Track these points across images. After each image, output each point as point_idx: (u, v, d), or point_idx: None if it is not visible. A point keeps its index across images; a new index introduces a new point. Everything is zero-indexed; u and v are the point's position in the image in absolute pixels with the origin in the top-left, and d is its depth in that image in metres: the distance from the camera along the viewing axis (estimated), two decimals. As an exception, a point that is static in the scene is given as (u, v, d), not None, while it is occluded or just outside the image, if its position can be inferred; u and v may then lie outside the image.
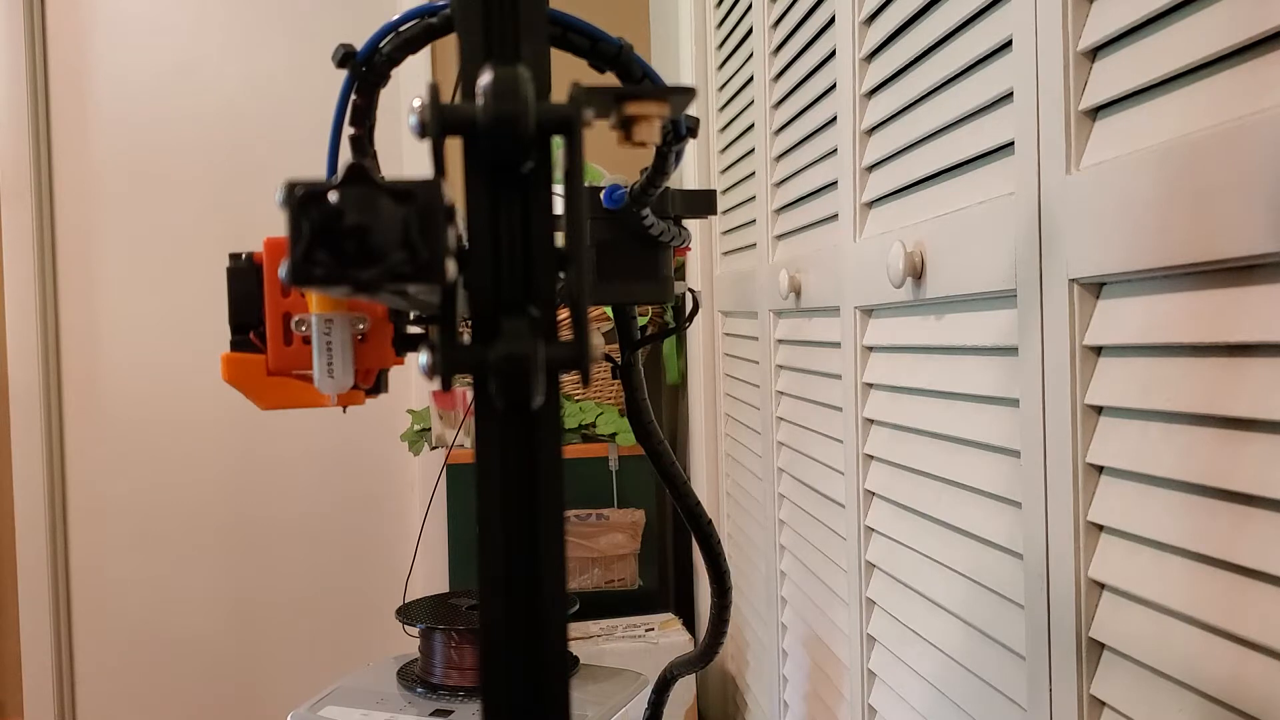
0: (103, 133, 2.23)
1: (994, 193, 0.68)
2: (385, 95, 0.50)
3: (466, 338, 0.33)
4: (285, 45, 2.26)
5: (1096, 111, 0.56)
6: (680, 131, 0.47)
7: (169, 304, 2.25)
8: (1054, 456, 0.59)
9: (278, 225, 1.76)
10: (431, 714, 1.18)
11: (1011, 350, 0.66)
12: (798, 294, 1.15)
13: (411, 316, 0.47)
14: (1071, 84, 0.56)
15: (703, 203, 0.64)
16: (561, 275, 0.33)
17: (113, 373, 2.25)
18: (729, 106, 1.55)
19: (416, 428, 1.90)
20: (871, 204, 0.93)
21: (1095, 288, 0.56)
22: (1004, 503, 0.68)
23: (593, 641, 1.63)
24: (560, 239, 0.33)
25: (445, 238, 0.29)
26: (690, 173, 1.73)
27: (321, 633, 2.30)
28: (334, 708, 1.20)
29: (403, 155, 2.18)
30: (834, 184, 1.04)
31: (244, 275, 0.47)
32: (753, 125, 1.37)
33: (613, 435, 1.83)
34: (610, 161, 2.10)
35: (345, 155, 0.47)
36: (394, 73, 0.49)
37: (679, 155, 0.50)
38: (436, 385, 0.33)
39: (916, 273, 0.77)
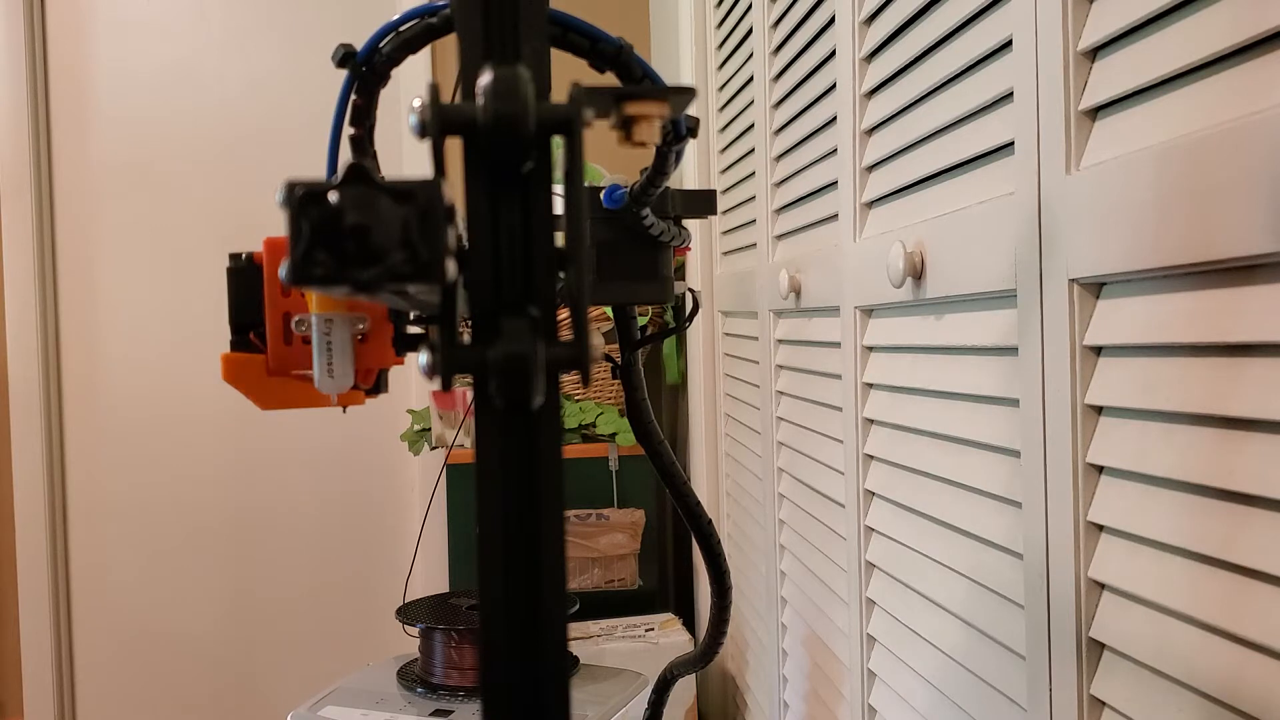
0: (102, 132, 2.23)
1: (994, 193, 0.68)
2: (385, 95, 0.50)
3: (466, 338, 0.33)
4: (285, 45, 2.26)
5: (1096, 111, 0.56)
6: (680, 131, 0.47)
7: (169, 303, 2.26)
8: (1054, 456, 0.59)
9: (278, 225, 1.75)
10: (431, 714, 1.18)
11: (1011, 350, 0.66)
12: (798, 294, 1.15)
13: (411, 316, 0.47)
14: (1071, 84, 0.56)
15: (703, 203, 0.64)
16: (561, 275, 0.33)
17: (113, 372, 2.25)
18: (729, 106, 1.55)
19: (416, 428, 1.90)
20: (871, 204, 0.93)
21: (1095, 288, 0.56)
22: (1004, 503, 0.68)
23: (593, 641, 1.63)
24: (560, 239, 0.33)
25: (445, 238, 0.29)
26: (690, 173, 1.73)
27: (321, 633, 2.30)
28: (334, 708, 1.20)
29: (403, 155, 2.18)
30: (834, 184, 1.04)
31: (244, 275, 0.47)
32: (753, 125, 1.37)
33: (613, 435, 1.83)
34: (610, 161, 2.09)
35: (345, 155, 0.47)
36: (394, 73, 0.49)
37: (679, 155, 0.50)
38: (436, 385, 0.33)
39: (916, 273, 0.77)
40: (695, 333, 1.78)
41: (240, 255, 0.47)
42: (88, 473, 2.25)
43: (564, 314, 0.83)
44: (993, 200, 0.67)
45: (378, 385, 0.48)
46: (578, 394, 1.91)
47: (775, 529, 1.31)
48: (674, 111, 0.36)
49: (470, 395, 0.37)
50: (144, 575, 2.26)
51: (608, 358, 0.58)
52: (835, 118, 1.01)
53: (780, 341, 1.28)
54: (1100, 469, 0.56)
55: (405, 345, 0.47)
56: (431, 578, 2.15)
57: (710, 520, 0.74)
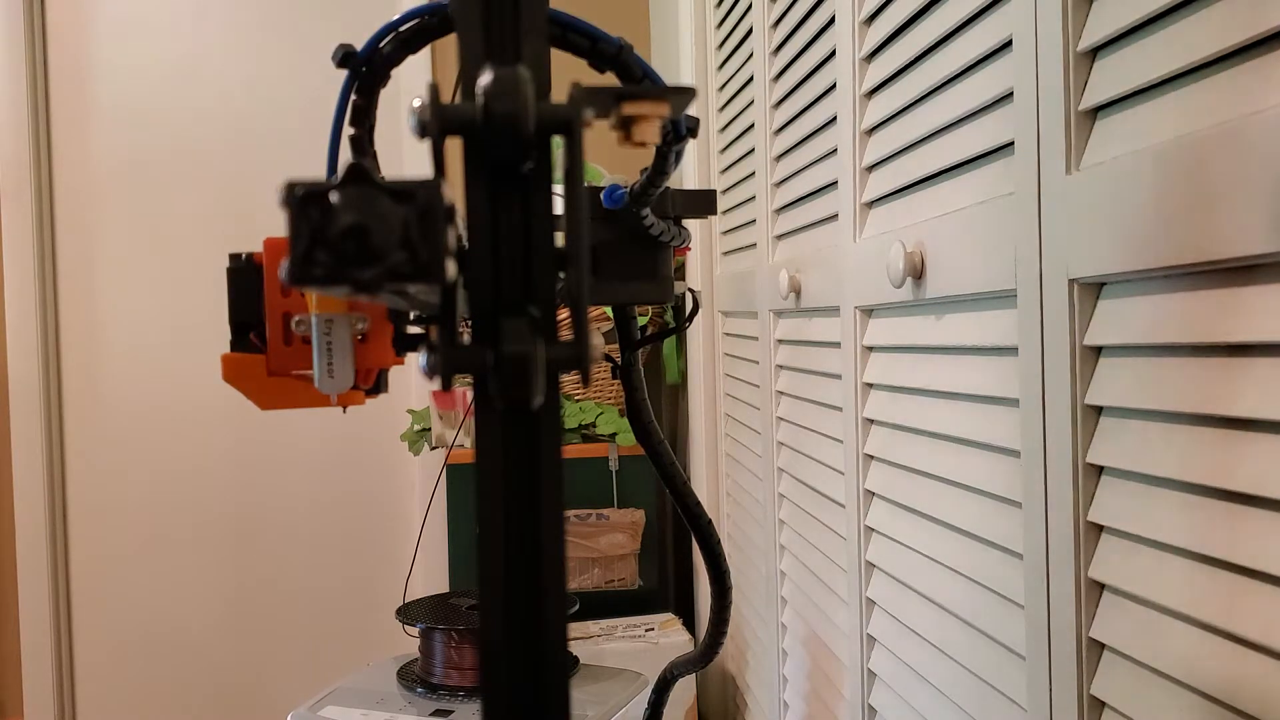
0: (103, 132, 2.23)
1: (994, 193, 0.68)
2: (385, 95, 0.50)
3: (466, 338, 0.33)
4: (285, 45, 2.26)
5: (1096, 111, 0.56)
6: (680, 131, 0.47)
7: (169, 303, 2.26)
8: (1054, 456, 0.59)
9: (278, 225, 1.76)
10: (431, 714, 1.18)
11: (1011, 350, 0.66)
12: (798, 294, 1.15)
13: (411, 316, 0.47)
14: (1071, 84, 0.56)
15: (703, 203, 0.64)
16: (561, 275, 0.33)
17: (113, 373, 2.25)
18: (729, 106, 1.55)
19: (416, 428, 1.90)
20: (871, 204, 0.93)
21: (1095, 288, 0.56)
22: (1004, 503, 0.68)
23: (593, 641, 1.63)
24: (560, 239, 0.33)
25: (445, 238, 0.29)
26: (690, 173, 1.73)
27: (321, 633, 2.30)
28: (334, 708, 1.20)
29: (403, 155, 2.18)
30: (834, 184, 1.04)
31: (244, 275, 0.47)
32: (753, 125, 1.37)
33: (613, 435, 1.83)
34: (610, 161, 2.09)
35: (345, 155, 0.47)
36: (394, 73, 0.49)
37: (679, 155, 0.50)
38: (436, 385, 0.33)
39: (916, 273, 0.77)
40: (695, 333, 1.78)
41: (240, 255, 0.47)
42: (88, 473, 2.25)
43: (564, 314, 0.83)
44: (993, 200, 0.67)
45: (378, 385, 0.48)
46: (578, 394, 1.91)
47: (775, 529, 1.31)
48: (674, 111, 0.36)
49: (470, 395, 0.37)
50: (144, 575, 2.26)
51: (608, 358, 0.58)
52: (835, 118, 1.01)
53: (780, 341, 1.28)
54: (1100, 469, 0.56)
55: (405, 345, 0.47)
56: (431, 578, 2.15)
57: (710, 520, 0.74)
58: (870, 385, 0.93)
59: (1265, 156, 0.41)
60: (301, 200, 0.28)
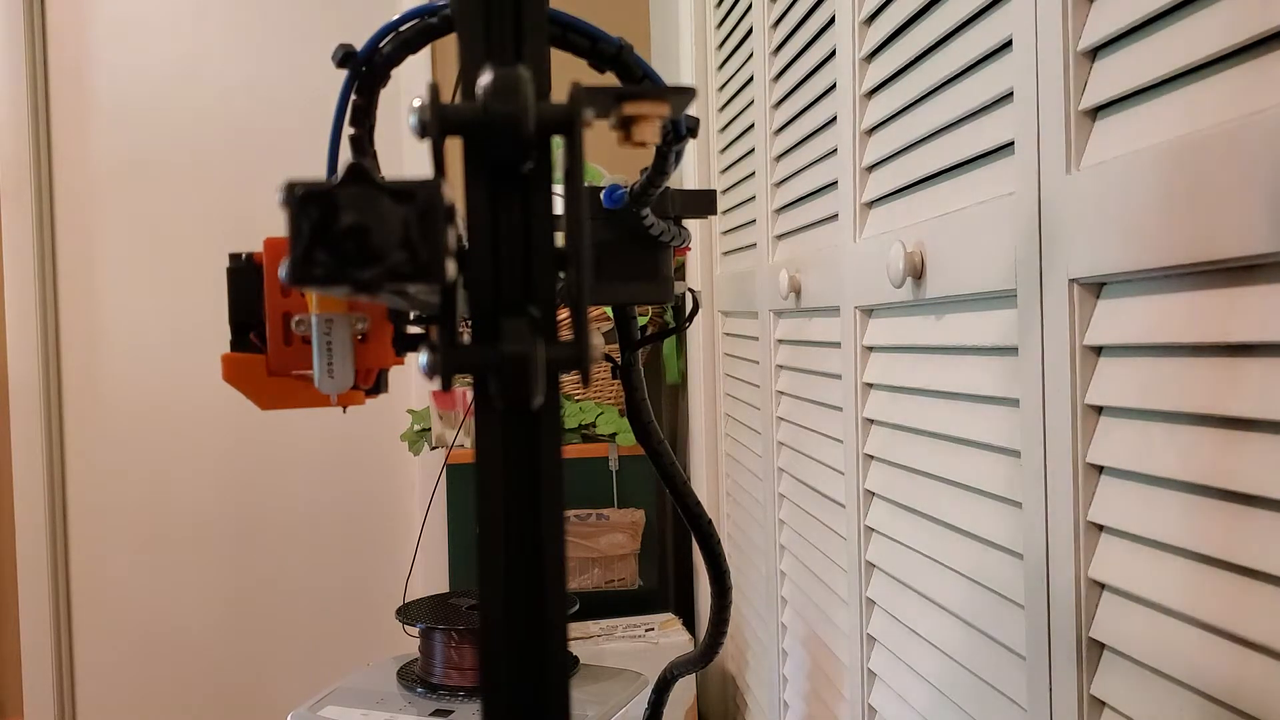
0: (103, 132, 2.23)
1: (994, 193, 0.68)
2: (385, 95, 0.50)
3: (466, 338, 0.33)
4: (285, 45, 2.26)
5: (1096, 111, 0.56)
6: (680, 131, 0.47)
7: (169, 304, 2.26)
8: (1054, 456, 0.59)
9: (278, 225, 1.76)
10: (431, 714, 1.18)
11: (1011, 350, 0.66)
12: (798, 294, 1.15)
13: (411, 316, 0.47)
14: (1071, 84, 0.56)
15: (703, 203, 0.64)
16: (561, 275, 0.33)
17: (113, 373, 2.25)
18: (729, 106, 1.55)
19: (416, 428, 1.90)
20: (871, 204, 0.93)
21: (1095, 288, 0.56)
22: (1004, 503, 0.68)
23: (593, 641, 1.63)
24: (560, 239, 0.33)
25: (445, 238, 0.29)
26: (690, 173, 1.73)
27: (321, 633, 2.30)
28: (334, 708, 1.20)
29: (403, 155, 2.18)
30: (834, 184, 1.04)
31: (244, 275, 0.47)
32: (753, 125, 1.37)
33: (613, 435, 1.83)
34: (610, 161, 2.09)
35: (345, 155, 0.47)
36: (394, 73, 0.49)
37: (679, 155, 0.50)
38: (436, 385, 0.33)
39: (916, 273, 0.77)
40: (695, 333, 1.78)
41: (240, 255, 0.47)
42: (88, 473, 2.25)
43: (564, 314, 0.83)
44: (993, 200, 0.67)
45: (378, 385, 0.48)
46: (578, 394, 1.91)
47: (775, 529, 1.31)
48: (674, 111, 0.36)
49: (470, 395, 0.37)
50: (144, 575, 2.26)
51: (608, 358, 0.58)
52: (835, 118, 1.01)
53: (780, 341, 1.28)
54: (1100, 469, 0.56)
55: (405, 345, 0.47)
56: (431, 578, 2.15)
57: (710, 520, 0.74)
58: (870, 385, 0.93)
59: (1265, 156, 0.41)
60: (302, 200, 0.28)
